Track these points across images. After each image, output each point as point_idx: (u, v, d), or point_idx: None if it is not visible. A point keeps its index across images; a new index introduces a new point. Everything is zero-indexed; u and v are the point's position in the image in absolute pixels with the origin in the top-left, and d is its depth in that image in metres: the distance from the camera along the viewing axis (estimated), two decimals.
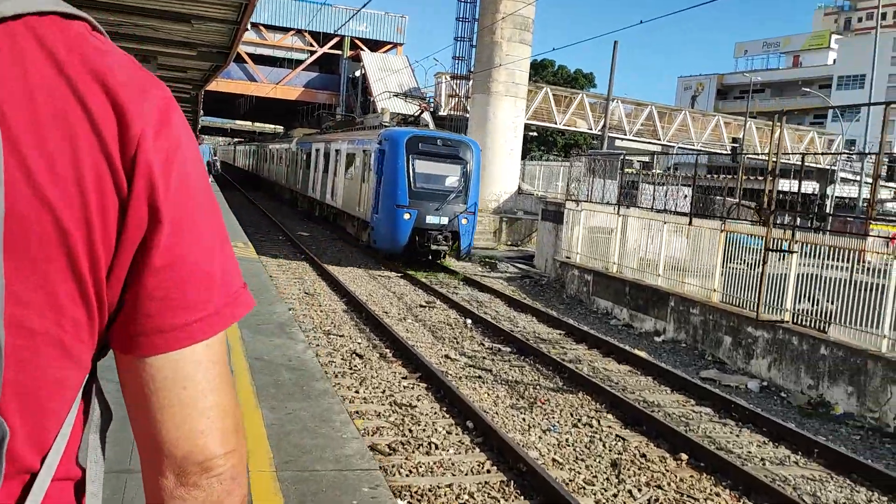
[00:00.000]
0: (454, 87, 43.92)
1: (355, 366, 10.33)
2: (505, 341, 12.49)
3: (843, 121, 49.34)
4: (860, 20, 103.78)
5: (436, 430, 8.04)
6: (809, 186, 31.51)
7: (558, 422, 8.64)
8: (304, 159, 31.98)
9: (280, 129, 75.42)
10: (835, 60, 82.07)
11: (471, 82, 29.41)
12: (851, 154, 41.33)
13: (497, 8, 26.33)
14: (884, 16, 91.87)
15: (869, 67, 68.66)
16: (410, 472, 6.90)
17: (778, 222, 11.86)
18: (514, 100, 27.34)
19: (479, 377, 10.31)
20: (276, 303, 9.81)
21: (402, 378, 9.91)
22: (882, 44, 48.60)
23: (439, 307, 15.17)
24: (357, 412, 8.41)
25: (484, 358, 11.36)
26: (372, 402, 8.83)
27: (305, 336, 10.01)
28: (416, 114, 24.93)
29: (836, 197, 34.63)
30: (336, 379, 9.61)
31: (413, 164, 19.14)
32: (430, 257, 20.09)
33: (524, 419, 8.66)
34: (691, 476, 7.26)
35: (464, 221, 19.52)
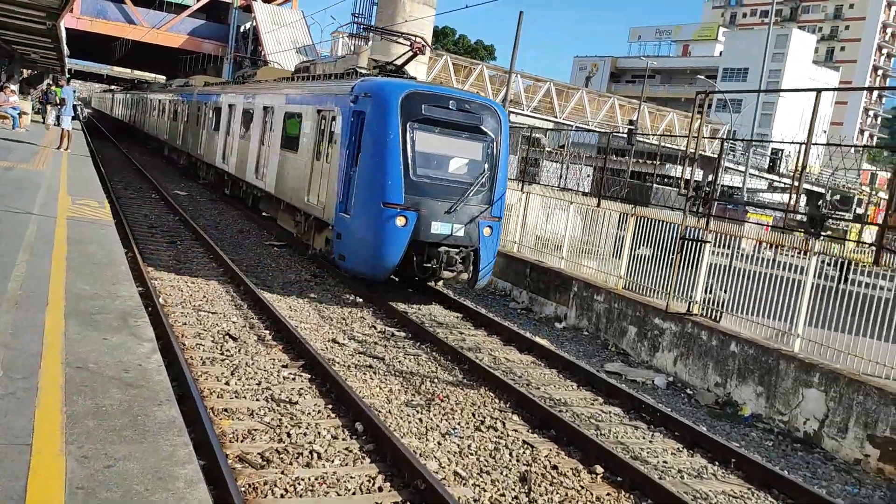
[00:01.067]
0: (351, 46, 42.05)
1: (227, 350, 8.97)
2: (399, 324, 11.41)
3: (731, 112, 51.12)
4: (745, 15, 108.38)
5: (319, 433, 6.88)
6: (698, 174, 32.08)
7: (459, 423, 7.66)
8: (211, 117, 25.04)
9: (162, 78, 70.69)
10: (721, 52, 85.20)
11: (370, 42, 27.88)
12: (760, 142, 42.66)
13: None
14: (766, 13, 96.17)
15: (751, 61, 71.71)
16: (286, 491, 5.71)
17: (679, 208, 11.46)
18: (415, 64, 26.07)
19: (370, 367, 9.18)
20: (122, 283, 7.86)
21: (282, 366, 8.66)
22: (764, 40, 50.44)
23: (325, 283, 13.89)
24: (226, 410, 7.12)
25: (375, 343, 10.24)
26: (244, 397, 7.54)
27: (159, 331, 8.53)
28: (407, 56, 15.33)
29: (722, 185, 35.57)
30: (203, 367, 8.24)
31: (413, 139, 12.18)
32: (433, 283, 13.79)
33: (421, 420, 7.63)
34: (608, 494, 6.45)
35: (486, 231, 12.61)
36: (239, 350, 9.03)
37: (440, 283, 13.99)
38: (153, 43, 45.25)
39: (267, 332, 10.02)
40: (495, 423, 7.78)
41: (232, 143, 22.06)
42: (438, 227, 12.25)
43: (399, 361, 9.54)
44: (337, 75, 15.83)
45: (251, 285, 12.16)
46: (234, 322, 10.23)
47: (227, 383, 7.86)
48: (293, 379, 8.27)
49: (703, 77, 63.48)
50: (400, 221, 11.96)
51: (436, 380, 8.97)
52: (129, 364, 5.38)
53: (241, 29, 47.66)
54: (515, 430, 7.64)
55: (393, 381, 8.72)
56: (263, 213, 20.13)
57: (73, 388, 4.76)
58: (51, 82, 36.04)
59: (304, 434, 6.78)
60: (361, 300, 12.67)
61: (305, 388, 8.04)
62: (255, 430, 6.74)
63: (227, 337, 9.46)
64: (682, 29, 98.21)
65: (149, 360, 5.55)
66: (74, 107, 21.68)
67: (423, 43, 14.74)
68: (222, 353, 8.83)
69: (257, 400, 7.50)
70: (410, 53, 15.19)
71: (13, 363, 4.66)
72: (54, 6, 14.86)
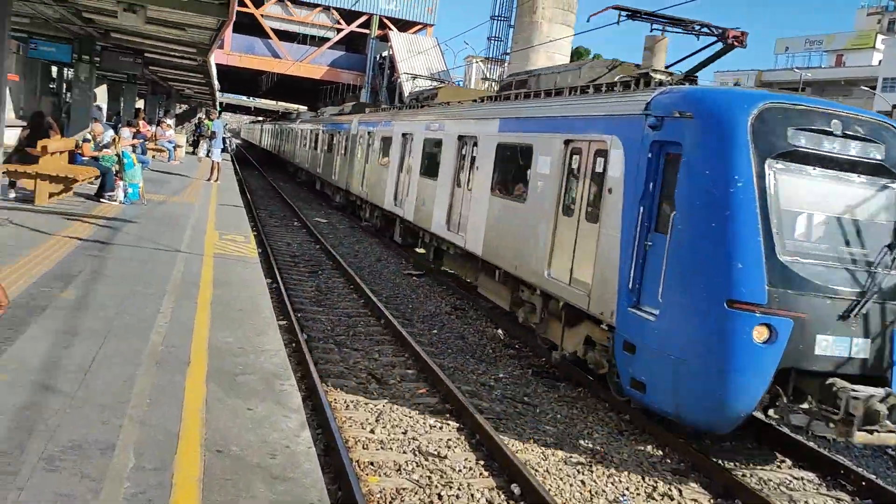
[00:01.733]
0: (485, 70, 41.89)
1: (371, 392, 8.51)
2: (549, 364, 10.60)
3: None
4: None
5: (472, 495, 6.21)
6: None
7: (627, 489, 6.77)
8: (378, 149, 21.32)
9: (303, 108, 73.73)
10: (880, 62, 78.93)
11: (506, 65, 27.43)
12: None
13: None
14: None
15: None
16: None
17: None
18: None
19: (522, 414, 8.44)
20: (267, 333, 7.13)
21: (428, 412, 8.08)
22: None
23: (467, 316, 13.30)
24: (372, 464, 6.59)
25: (525, 386, 9.47)
26: (391, 449, 7.00)
27: (302, 370, 8.13)
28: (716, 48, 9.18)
29: None
30: (347, 411, 7.79)
31: (777, 189, 7.38)
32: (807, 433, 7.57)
33: (583, 482, 6.80)
34: None
35: None
36: (383, 392, 8.56)
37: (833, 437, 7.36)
38: (296, 75, 47.07)
39: (409, 370, 9.51)
40: (669, 489, 6.82)
41: (408, 181, 17.62)
42: (830, 344, 7.07)
43: (552, 408, 8.74)
44: (605, 87, 10.12)
45: (391, 318, 11.76)
46: (376, 359, 9.81)
47: (371, 431, 7.37)
48: (440, 428, 7.67)
49: (864, 87, 58.83)
50: (760, 334, 6.91)
51: (595, 433, 8.10)
52: (275, 445, 4.72)
53: (378, 58, 48.76)
54: (695, 501, 6.65)
55: (548, 432, 7.94)
56: (446, 269, 16.34)
57: (212, 483, 4.11)
58: (203, 116, 38.06)
59: (457, 497, 6.12)
60: (507, 335, 11.97)
61: (454, 439, 7.41)
62: (404, 489, 6.17)
63: (370, 377, 9.02)
64: (834, 38, 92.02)
65: (297, 440, 4.86)
66: (224, 139, 22.49)
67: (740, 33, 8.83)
68: (366, 395, 8.38)
69: (404, 452, 6.94)
70: (721, 46, 9.06)
71: (147, 446, 4.11)
72: (204, 42, 15.38)
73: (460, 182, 14.27)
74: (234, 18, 9.46)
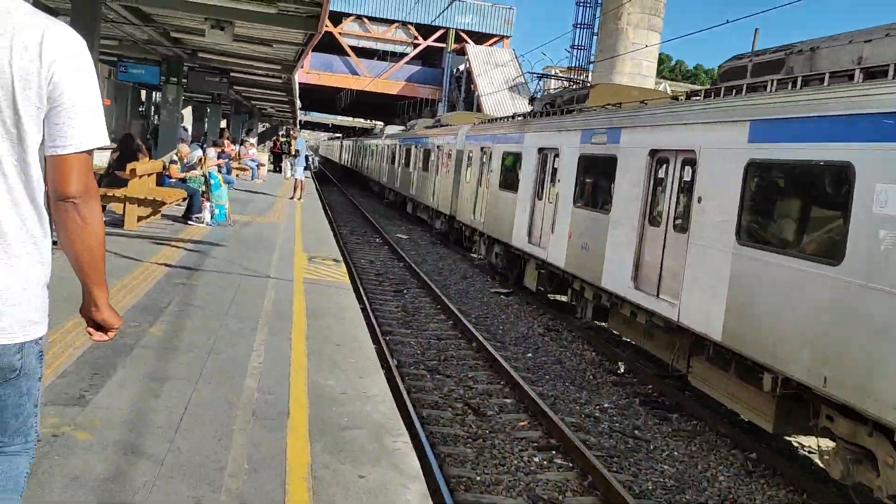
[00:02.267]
0: (564, 81, 41.16)
1: (469, 425, 7.94)
2: (657, 392, 9.80)
3: None
4: None
5: None
6: None
7: None
8: (498, 169, 17.07)
9: (379, 124, 74.31)
10: None
11: (590, 74, 26.64)
12: None
13: None
14: None
15: None
16: None
17: None
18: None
19: (634, 451, 7.71)
20: (370, 373, 6.28)
21: (533, 448, 7.46)
22: None
23: (561, 338, 12.60)
24: None
25: (635, 418, 8.72)
26: (497, 492, 6.40)
27: (396, 399, 7.55)
28: None
29: None
30: (445, 446, 7.24)
31: None
32: None
33: None
34: None
35: None
36: (481, 425, 7.97)
37: None
38: (374, 91, 47.33)
39: (507, 400, 8.90)
40: None
41: (553, 213, 13.20)
42: None
43: (667, 444, 7.97)
44: None
45: (483, 341, 11.19)
46: (471, 387, 9.24)
47: (473, 469, 6.79)
48: (548, 467, 7.03)
49: None
50: None
51: (720, 474, 7.30)
52: None
53: (455, 71, 48.57)
54: None
55: (666, 473, 7.19)
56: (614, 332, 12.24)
57: None
58: (284, 134, 38.60)
59: None
60: (607, 360, 11.21)
61: (563, 480, 6.75)
62: None
63: (466, 408, 8.45)
64: None
65: None
66: (306, 157, 22.29)
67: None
68: (464, 429, 7.82)
69: (511, 496, 6.33)
70: None
71: None
72: (289, 59, 15.25)
73: (656, 217, 9.73)
74: (322, 32, 9.08)
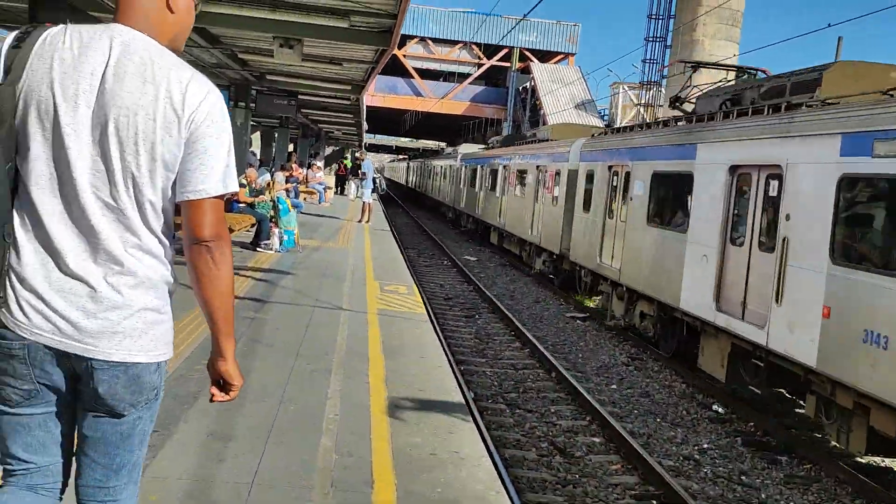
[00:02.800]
0: (633, 97, 40.21)
1: (555, 467, 7.28)
2: (763, 432, 8.93)
3: None
4: None
5: None
6: None
7: None
8: (646, 196, 12.48)
9: (442, 144, 74.31)
10: None
11: (663, 89, 25.76)
12: None
13: (699, 0, 22.57)
14: None
15: None
16: None
17: None
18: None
19: (743, 501, 6.91)
20: (458, 427, 5.51)
21: (630, 495, 6.75)
22: None
23: (647, 368, 11.80)
24: None
25: (740, 463, 7.90)
26: None
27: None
28: None
29: None
30: (532, 492, 6.61)
31: None
32: None
33: None
34: None
35: None
36: (570, 468, 7.30)
37: None
38: (438, 112, 47.22)
39: (596, 438, 8.21)
40: None
41: (777, 271, 8.32)
42: None
43: (780, 492, 7.14)
44: None
45: (563, 371, 10.52)
46: (555, 424, 8.58)
47: None
48: None
49: None
50: None
51: None
52: None
53: (520, 90, 48.10)
54: None
55: None
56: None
57: None
58: (349, 156, 38.62)
59: None
60: (700, 394, 10.37)
61: None
62: None
63: (552, 448, 7.79)
64: None
65: None
66: (373, 179, 21.79)
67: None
68: (551, 472, 7.16)
69: None
70: None
71: None
72: (359, 79, 14.95)
73: None
74: (394, 47, 8.63)
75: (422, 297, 10.11)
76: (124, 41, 1.97)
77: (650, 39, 25.00)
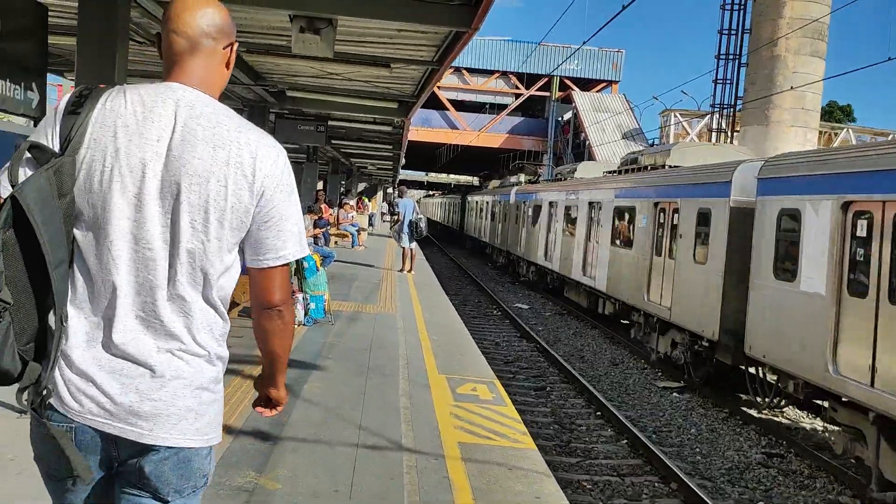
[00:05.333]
0: (686, 126, 37.68)
1: None
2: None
3: None
4: None
5: None
6: None
7: None
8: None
9: (474, 180, 71.96)
10: None
11: (734, 112, 22.96)
12: None
13: (780, 12, 19.88)
14: None
15: None
16: None
17: None
18: (805, 132, 20.46)
19: None
20: None
21: None
22: None
23: (794, 473, 8.94)
24: None
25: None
26: None
27: None
28: None
29: None
30: None
31: None
32: None
33: None
34: None
35: None
36: None
37: None
38: (475, 146, 44.83)
39: None
40: None
41: None
42: None
43: None
44: None
45: (680, 474, 7.75)
46: None
47: None
48: None
49: None
50: None
51: None
52: None
53: (561, 120, 45.64)
54: None
55: None
56: None
57: None
58: (384, 193, 36.08)
59: None
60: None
61: None
62: None
63: None
64: None
65: None
66: (411, 222, 17.02)
67: None
68: None
69: None
70: None
71: None
72: (407, 94, 11.87)
73: None
74: (481, 24, 5.86)
75: (516, 410, 6.81)
76: (189, 103, 1.89)
77: (722, 57, 22.23)
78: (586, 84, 45.35)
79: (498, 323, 18.57)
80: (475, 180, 71.70)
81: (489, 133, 45.39)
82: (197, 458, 1.90)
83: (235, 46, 2.01)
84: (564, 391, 12.00)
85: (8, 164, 1.82)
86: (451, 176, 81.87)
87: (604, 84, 45.79)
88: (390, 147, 23.00)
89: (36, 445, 1.92)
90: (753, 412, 10.72)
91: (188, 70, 1.92)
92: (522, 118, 46.77)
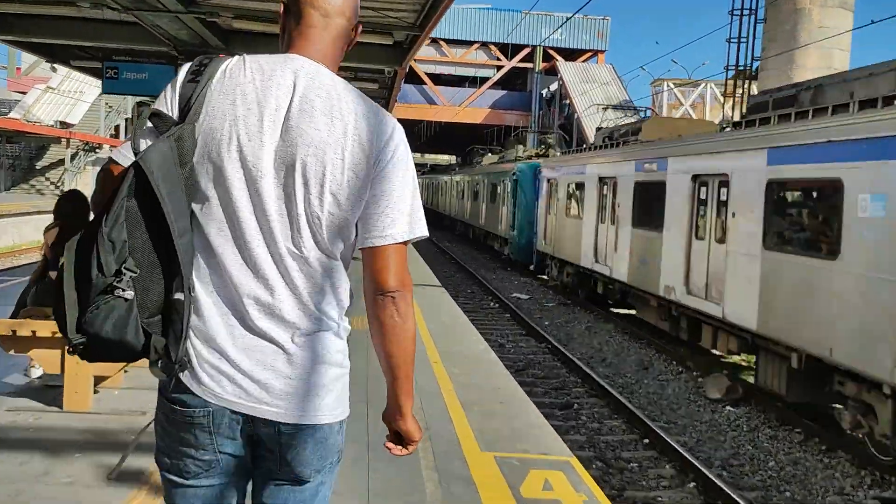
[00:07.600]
0: (679, 95, 35.61)
1: None
2: None
3: None
4: None
5: None
6: None
7: None
8: None
9: (453, 159, 69.35)
10: None
11: (750, 73, 20.77)
12: None
13: None
14: None
15: None
16: None
17: None
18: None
19: None
20: None
21: None
22: None
23: None
24: None
25: None
26: None
27: None
28: None
29: None
30: None
31: None
32: None
33: None
34: None
35: None
36: None
37: None
38: (456, 122, 42.40)
39: None
40: None
41: None
42: None
43: None
44: None
45: None
46: None
47: None
48: None
49: None
50: None
51: None
52: None
53: (545, 93, 43.34)
54: None
55: None
56: None
57: None
58: None
59: None
60: None
61: None
62: None
63: None
64: None
65: None
66: None
67: None
68: None
69: None
70: None
71: None
72: (407, 23, 8.05)
73: None
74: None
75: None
76: (309, 73, 1.81)
77: (736, 12, 19.95)
78: (571, 54, 42.98)
79: (497, 317, 16.41)
80: (453, 160, 69.12)
81: (470, 108, 42.97)
82: (332, 434, 1.85)
83: (360, 28, 1.96)
84: (596, 409, 9.85)
85: (130, 135, 1.79)
86: (428, 156, 79.21)
87: (590, 53, 43.45)
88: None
89: (164, 436, 1.83)
90: (834, 433, 8.65)
91: (315, 44, 1.87)
92: (505, 91, 44.36)
